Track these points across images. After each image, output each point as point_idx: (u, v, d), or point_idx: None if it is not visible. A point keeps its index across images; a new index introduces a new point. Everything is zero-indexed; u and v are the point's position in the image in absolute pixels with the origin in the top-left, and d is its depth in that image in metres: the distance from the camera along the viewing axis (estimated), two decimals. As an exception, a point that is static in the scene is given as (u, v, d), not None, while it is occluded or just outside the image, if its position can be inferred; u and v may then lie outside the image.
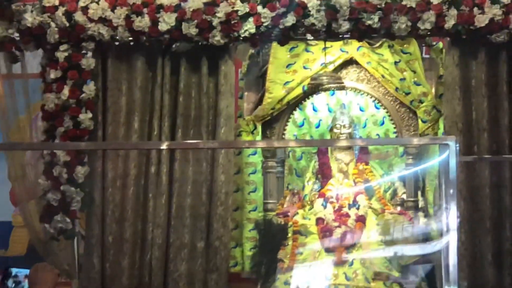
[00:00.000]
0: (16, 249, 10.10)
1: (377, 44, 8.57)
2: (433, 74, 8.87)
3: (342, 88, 8.68)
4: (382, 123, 8.86)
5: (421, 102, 8.58)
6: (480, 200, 8.11)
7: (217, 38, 8.04)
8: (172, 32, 8.07)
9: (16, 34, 8.15)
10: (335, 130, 8.57)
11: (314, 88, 8.61)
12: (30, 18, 8.13)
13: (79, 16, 8.04)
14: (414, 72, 8.70)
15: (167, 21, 8.11)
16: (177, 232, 8.22)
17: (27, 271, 5.15)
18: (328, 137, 8.82)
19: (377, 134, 8.95)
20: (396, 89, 8.52)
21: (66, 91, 8.07)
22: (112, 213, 8.32)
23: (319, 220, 8.24)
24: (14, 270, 4.79)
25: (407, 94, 8.56)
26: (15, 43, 8.21)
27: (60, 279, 8.32)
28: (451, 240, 5.71)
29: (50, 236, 8.10)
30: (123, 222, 8.26)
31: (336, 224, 8.24)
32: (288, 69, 8.71)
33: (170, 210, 8.30)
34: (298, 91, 8.63)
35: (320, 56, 8.64)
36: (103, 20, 8.10)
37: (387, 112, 8.74)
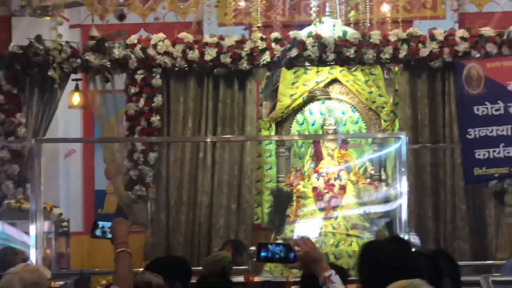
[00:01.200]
0: (108, 209, 11.64)
1: (353, 68, 10.02)
2: (391, 89, 10.27)
3: (329, 98, 10.18)
4: (357, 122, 10.25)
5: (383, 108, 10.02)
6: (423, 174, 9.69)
7: (244, 65, 9.67)
8: (214, 61, 9.68)
9: (108, 63, 9.76)
10: (325, 127, 9.93)
11: (311, 98, 10.14)
12: (117, 52, 9.70)
13: (150, 51, 9.69)
14: (378, 87, 10.13)
15: (210, 53, 9.66)
16: (217, 197, 9.77)
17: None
18: (320, 132, 10.15)
19: (353, 130, 10.34)
20: (366, 99, 9.98)
21: (142, 101, 9.69)
22: (173, 184, 9.81)
23: (314, 189, 9.73)
24: (100, 223, 5.29)
25: (374, 102, 9.99)
26: (107, 69, 9.80)
27: (135, 228, 8.92)
28: (403, 201, 7.51)
29: (132, 200, 9.72)
30: (181, 190, 9.78)
31: (326, 191, 9.73)
32: (293, 85, 10.14)
33: (213, 181, 9.79)
34: (300, 100, 10.12)
35: (314, 77, 10.07)
36: (167, 53, 9.73)
37: (360, 114, 10.16)
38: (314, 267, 3.70)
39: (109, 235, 4.50)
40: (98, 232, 4.62)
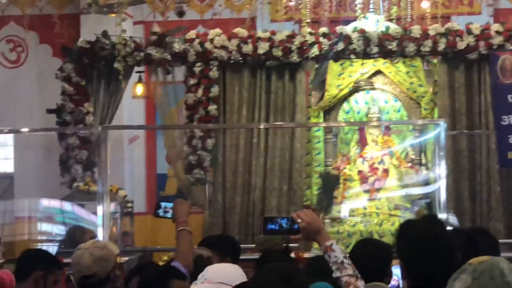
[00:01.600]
0: (169, 191, 11.80)
1: (396, 61, 10.19)
2: (430, 80, 10.40)
3: (373, 88, 10.31)
4: (399, 110, 10.37)
5: (423, 97, 10.17)
6: (460, 158, 9.88)
7: (294, 58, 9.91)
8: (266, 54, 9.94)
9: (169, 56, 10.05)
10: (369, 115, 10.15)
11: (356, 88, 10.27)
12: (177, 46, 9.99)
13: (208, 45, 10.01)
14: (419, 78, 10.26)
15: (263, 47, 9.95)
16: (270, 180, 10.03)
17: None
18: (365, 120, 10.35)
19: (396, 118, 10.44)
20: (407, 89, 10.11)
21: (200, 91, 9.93)
22: (229, 168, 10.10)
23: (360, 172, 9.94)
24: (163, 204, 5.03)
25: (414, 92, 10.13)
26: (168, 62, 10.08)
27: (194, 209, 8.79)
28: (442, 184, 7.65)
29: (191, 183, 10.02)
30: (236, 174, 10.07)
31: (370, 174, 9.92)
32: (339, 77, 10.27)
33: (265, 166, 10.04)
34: (346, 90, 10.22)
35: (359, 69, 10.26)
36: (223, 47, 10.01)
37: (402, 103, 10.29)
38: (316, 237, 3.77)
39: (170, 215, 4.70)
40: (160, 212, 4.85)
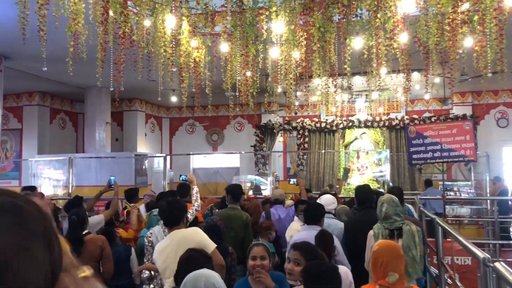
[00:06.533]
0: (291, 173, 14.78)
1: (371, 129, 13.81)
2: (383, 135, 13.80)
3: (362, 138, 14.16)
4: (371, 146, 14.04)
5: (379, 142, 13.76)
6: (394, 163, 13.37)
7: (334, 128, 13.77)
8: (324, 127, 13.82)
9: (291, 128, 14.10)
10: (360, 147, 13.89)
11: (356, 138, 14.25)
12: (294, 124, 13.94)
13: (305, 123, 13.92)
14: (379, 135, 13.73)
15: (323, 124, 13.77)
16: (325, 169, 13.79)
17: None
18: (359, 150, 14.14)
19: (371, 149, 13.99)
20: (375, 139, 13.72)
21: (302, 139, 13.96)
22: (311, 166, 13.87)
23: (357, 167, 13.83)
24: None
25: (378, 140, 13.69)
26: (291, 129, 14.07)
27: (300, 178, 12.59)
28: (388, 172, 11.49)
29: (299, 170, 13.96)
30: (313, 168, 13.89)
31: (361, 168, 13.79)
32: (350, 134, 14.08)
33: (324, 164, 13.94)
34: (353, 139, 13.86)
35: (357, 131, 14.09)
36: (309, 124, 13.81)
37: (372, 144, 13.93)
38: (191, 181, 4.42)
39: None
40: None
